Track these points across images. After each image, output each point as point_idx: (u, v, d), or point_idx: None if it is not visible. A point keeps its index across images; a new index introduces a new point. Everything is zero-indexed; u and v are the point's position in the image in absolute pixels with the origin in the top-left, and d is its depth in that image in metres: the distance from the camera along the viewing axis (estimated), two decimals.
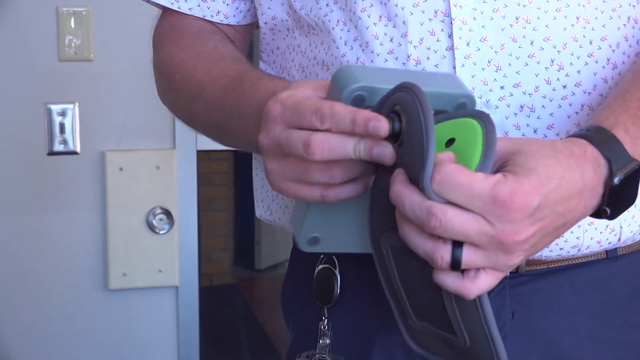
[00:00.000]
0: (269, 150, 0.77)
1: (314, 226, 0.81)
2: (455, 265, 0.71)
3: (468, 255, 0.71)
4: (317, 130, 0.73)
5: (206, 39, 1.03)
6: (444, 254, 0.70)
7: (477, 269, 0.72)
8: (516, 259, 0.72)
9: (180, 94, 1.02)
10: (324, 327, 0.98)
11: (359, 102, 0.74)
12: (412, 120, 0.70)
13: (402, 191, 0.71)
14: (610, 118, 0.80)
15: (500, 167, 0.73)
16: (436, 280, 0.72)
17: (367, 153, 0.73)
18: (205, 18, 1.05)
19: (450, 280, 0.72)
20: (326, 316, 0.98)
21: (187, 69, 1.01)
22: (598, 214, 0.78)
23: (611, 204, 0.77)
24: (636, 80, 0.86)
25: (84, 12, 2.12)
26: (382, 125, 0.70)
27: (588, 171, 0.75)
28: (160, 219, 2.18)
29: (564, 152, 0.74)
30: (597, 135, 0.78)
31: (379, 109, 0.74)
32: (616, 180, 0.76)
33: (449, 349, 0.79)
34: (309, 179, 0.75)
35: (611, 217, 0.78)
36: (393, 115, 0.72)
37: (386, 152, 0.72)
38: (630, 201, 0.78)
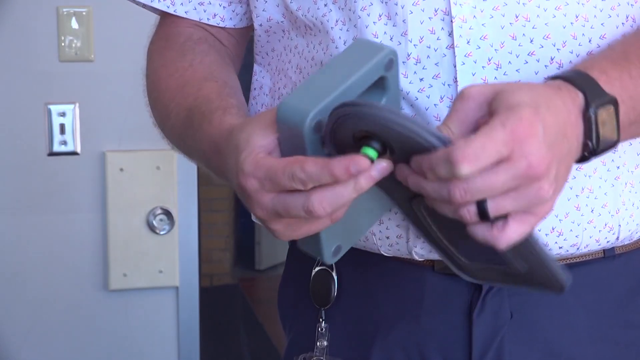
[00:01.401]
0: (269, 217, 0.77)
1: (332, 240, 0.81)
2: (484, 215, 0.71)
3: (495, 202, 0.71)
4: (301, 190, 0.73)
5: (187, 52, 1.02)
6: (469, 208, 0.71)
7: (506, 219, 0.72)
8: (546, 192, 0.72)
9: (155, 114, 1.04)
10: (321, 329, 0.98)
11: (319, 128, 0.74)
12: (387, 133, 0.71)
13: (419, 182, 0.72)
14: (587, 62, 0.82)
15: (489, 110, 0.73)
16: (470, 233, 0.73)
17: (368, 183, 0.73)
18: (201, 21, 1.04)
19: (480, 232, 0.72)
20: (323, 318, 0.98)
21: (160, 90, 1.01)
22: (584, 157, 0.78)
23: (593, 138, 0.78)
24: (624, 42, 0.87)
25: (84, 13, 2.12)
26: (362, 162, 0.71)
27: (566, 100, 0.76)
28: (161, 220, 2.18)
29: (540, 88, 0.76)
30: (570, 73, 0.79)
31: (328, 131, 0.73)
32: (591, 111, 0.77)
33: (506, 276, 0.80)
34: (318, 217, 0.75)
35: (595, 152, 0.79)
36: (364, 140, 0.72)
37: (384, 168, 0.73)
38: (612, 138, 0.79)
